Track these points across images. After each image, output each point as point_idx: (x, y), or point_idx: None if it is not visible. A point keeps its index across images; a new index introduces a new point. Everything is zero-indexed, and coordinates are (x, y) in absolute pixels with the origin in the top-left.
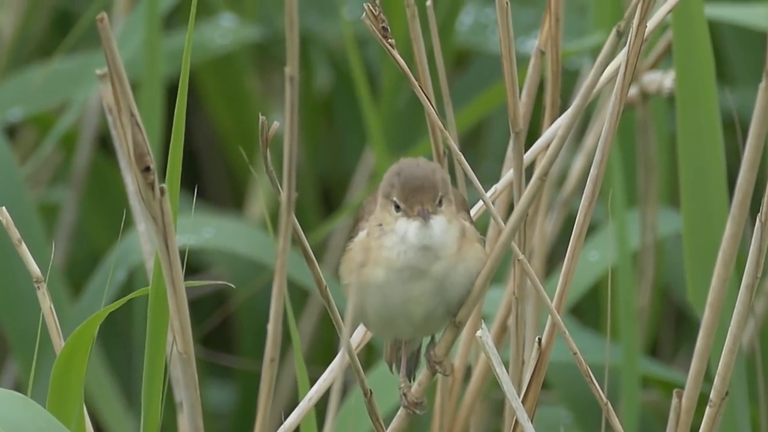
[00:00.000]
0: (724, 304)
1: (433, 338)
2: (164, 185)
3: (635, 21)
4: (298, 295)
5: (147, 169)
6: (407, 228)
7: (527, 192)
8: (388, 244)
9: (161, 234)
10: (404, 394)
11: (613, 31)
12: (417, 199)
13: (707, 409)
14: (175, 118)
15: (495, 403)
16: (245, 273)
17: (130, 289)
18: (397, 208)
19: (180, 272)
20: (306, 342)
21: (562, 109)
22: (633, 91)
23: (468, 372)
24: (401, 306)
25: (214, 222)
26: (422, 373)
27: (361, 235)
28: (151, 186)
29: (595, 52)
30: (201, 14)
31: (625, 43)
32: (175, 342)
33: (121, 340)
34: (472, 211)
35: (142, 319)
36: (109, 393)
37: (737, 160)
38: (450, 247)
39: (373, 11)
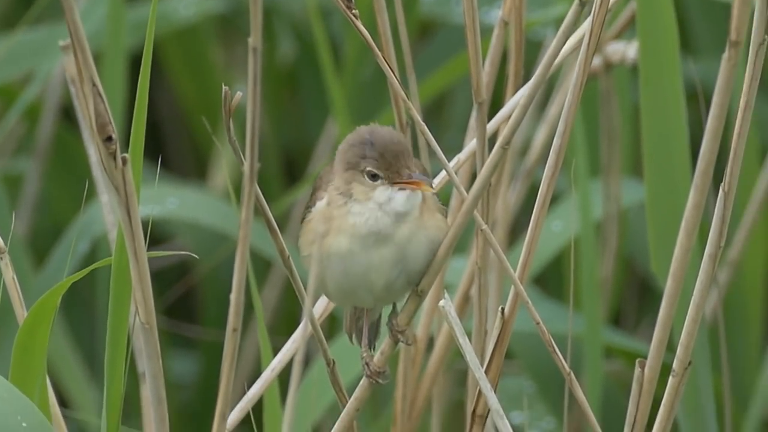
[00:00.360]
0: (687, 273)
1: (394, 307)
2: (126, 155)
3: None
4: (261, 266)
5: (109, 138)
6: (392, 195)
7: (489, 161)
8: (357, 210)
9: (123, 204)
10: (367, 364)
11: (576, 1)
12: (401, 164)
13: (670, 379)
14: (139, 89)
15: (458, 374)
16: (208, 243)
17: (93, 260)
18: (374, 177)
19: (142, 243)
20: (269, 312)
21: (526, 79)
22: (596, 61)
23: (431, 342)
24: (362, 276)
25: (177, 192)
26: (384, 343)
27: (320, 204)
28: (113, 156)
29: (558, 22)
30: None
31: (589, 12)
32: (138, 312)
33: (83, 311)
34: (435, 181)
35: (105, 290)
36: (71, 363)
37: (700, 130)
38: (413, 213)
39: None
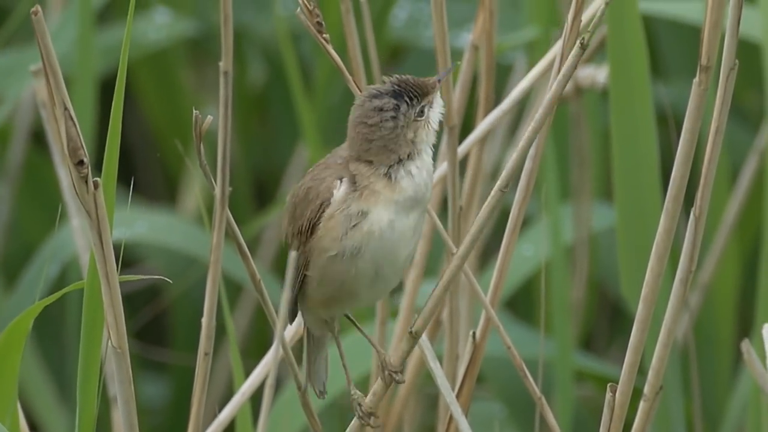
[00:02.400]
0: (658, 298)
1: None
2: (98, 179)
3: (570, 15)
4: (232, 289)
5: (81, 162)
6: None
7: (487, 205)
8: (400, 176)
9: (95, 228)
10: (359, 405)
11: (577, 43)
12: (427, 84)
13: (641, 404)
14: (112, 113)
15: (429, 398)
16: (178, 266)
17: (64, 283)
18: (421, 112)
19: (114, 267)
20: (240, 335)
21: (496, 103)
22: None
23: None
24: (393, 250)
25: (147, 216)
26: (377, 384)
27: (338, 194)
28: (85, 180)
29: (528, 46)
30: (135, 8)
31: (560, 36)
32: (110, 337)
33: (54, 334)
34: None
35: (76, 313)
36: (42, 387)
37: (671, 153)
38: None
39: (308, 6)
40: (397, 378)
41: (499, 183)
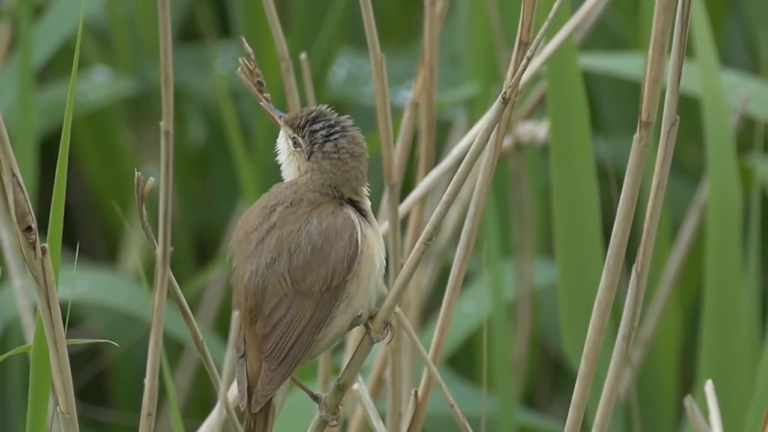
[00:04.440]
0: (600, 354)
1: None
2: (45, 245)
3: (509, 72)
4: (174, 347)
5: (29, 228)
6: None
7: (412, 258)
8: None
9: (43, 293)
10: (326, 404)
11: (499, 98)
12: None
13: None
14: (57, 175)
15: None
16: (119, 325)
17: (5, 344)
18: None
19: (62, 332)
20: (182, 395)
21: (436, 160)
22: (507, 141)
23: (345, 425)
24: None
25: (87, 275)
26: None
27: (356, 218)
28: (33, 246)
29: (469, 103)
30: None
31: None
32: (58, 401)
33: None
34: None
35: (18, 375)
36: None
37: (612, 209)
38: None
39: (249, 66)
40: (330, 419)
41: (422, 236)
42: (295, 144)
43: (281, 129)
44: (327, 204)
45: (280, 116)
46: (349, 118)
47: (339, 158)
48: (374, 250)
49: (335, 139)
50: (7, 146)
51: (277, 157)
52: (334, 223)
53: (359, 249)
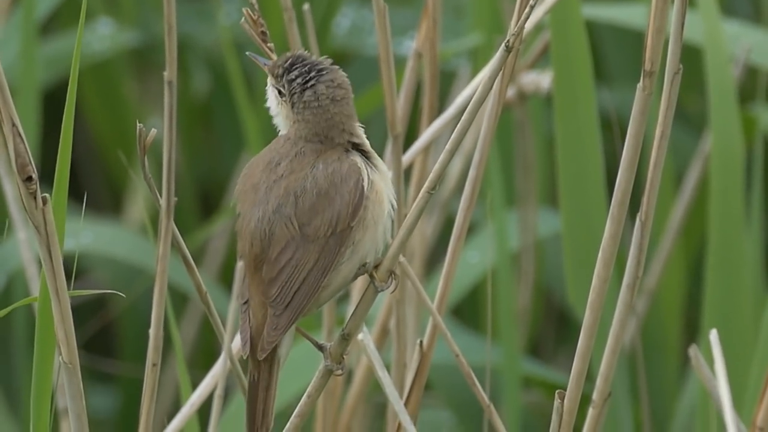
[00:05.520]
0: (604, 304)
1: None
2: (46, 195)
3: (513, 21)
4: (179, 299)
5: (29, 178)
6: None
7: (415, 207)
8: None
9: (45, 244)
10: (330, 353)
11: (502, 47)
12: None
13: (590, 410)
14: (63, 127)
15: (377, 406)
16: (124, 277)
17: (9, 296)
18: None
19: (64, 283)
20: (187, 346)
21: (440, 110)
22: (511, 91)
23: (350, 375)
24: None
25: (92, 227)
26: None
27: (362, 163)
28: (34, 195)
29: (472, 53)
30: (78, 19)
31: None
32: (60, 351)
33: (1, 345)
34: None
35: (22, 325)
36: None
37: (615, 159)
38: None
39: (252, 16)
40: (335, 368)
41: (426, 185)
42: (281, 93)
43: (268, 78)
44: (332, 150)
45: (265, 64)
46: (327, 58)
47: (319, 106)
48: (382, 195)
49: (312, 85)
50: (7, 96)
51: (268, 107)
52: (340, 169)
53: (365, 195)
